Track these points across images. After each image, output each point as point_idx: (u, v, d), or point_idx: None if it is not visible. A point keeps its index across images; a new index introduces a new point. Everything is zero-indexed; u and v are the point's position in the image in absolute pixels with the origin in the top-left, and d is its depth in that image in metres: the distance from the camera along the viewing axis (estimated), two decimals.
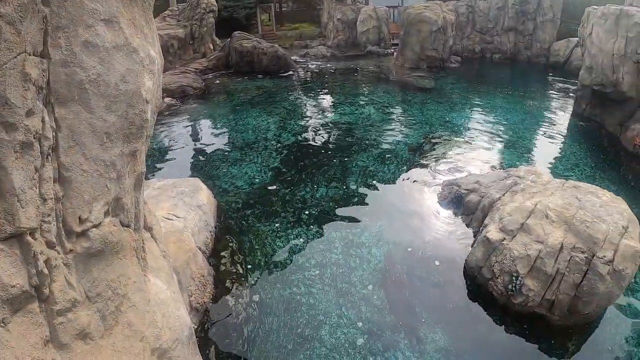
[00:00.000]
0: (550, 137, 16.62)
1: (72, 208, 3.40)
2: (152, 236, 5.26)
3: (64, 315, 3.40)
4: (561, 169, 13.41)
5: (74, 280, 3.49)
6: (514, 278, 7.02)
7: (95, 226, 3.59)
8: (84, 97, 3.39)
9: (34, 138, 2.94)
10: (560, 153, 15.12)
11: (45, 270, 3.14)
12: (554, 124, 18.22)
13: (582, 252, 6.78)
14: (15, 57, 2.75)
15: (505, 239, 7.41)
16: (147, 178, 10.19)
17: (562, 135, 16.92)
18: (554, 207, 7.51)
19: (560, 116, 19.45)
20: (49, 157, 3.16)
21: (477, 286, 7.76)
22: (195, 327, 6.47)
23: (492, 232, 7.62)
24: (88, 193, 3.48)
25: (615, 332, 7.20)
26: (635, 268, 6.75)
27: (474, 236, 9.05)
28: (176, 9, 31.13)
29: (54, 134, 3.21)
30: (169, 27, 27.84)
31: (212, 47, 30.95)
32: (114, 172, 3.70)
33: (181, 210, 7.99)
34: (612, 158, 14.61)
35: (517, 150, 14.99)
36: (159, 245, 5.31)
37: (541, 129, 17.60)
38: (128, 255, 4.16)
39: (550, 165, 13.70)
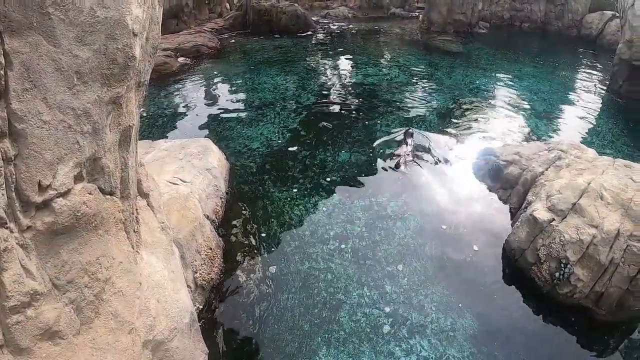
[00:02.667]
0: (585, 111, 15.50)
1: (29, 172, 2.59)
2: (148, 204, 4.46)
3: (21, 313, 2.65)
4: (598, 144, 12.41)
5: (33, 267, 2.71)
6: (562, 265, 6.18)
7: (62, 195, 2.79)
8: (45, 25, 2.55)
9: None
10: (595, 129, 14.05)
11: None
12: (588, 98, 17.01)
13: None
14: None
15: (554, 219, 6.53)
16: (156, 139, 9.47)
17: (596, 111, 15.78)
18: (609, 187, 6.58)
19: (594, 91, 18.20)
20: None
21: (517, 270, 6.95)
22: (201, 307, 5.78)
23: (540, 210, 6.74)
24: (51, 151, 2.66)
25: None
26: None
27: (513, 213, 8.19)
28: None
29: (2, 72, 2.39)
30: None
31: (228, 7, 29.88)
32: (88, 124, 2.87)
33: (188, 173, 7.21)
34: None
35: (550, 121, 13.98)
36: (157, 215, 4.53)
37: (574, 102, 16.45)
38: (112, 230, 3.37)
39: (586, 140, 12.69)
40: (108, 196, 3.30)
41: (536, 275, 6.57)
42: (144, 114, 12.84)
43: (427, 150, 10.90)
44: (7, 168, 2.49)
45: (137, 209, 4.04)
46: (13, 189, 2.54)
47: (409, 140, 11.16)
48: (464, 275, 6.97)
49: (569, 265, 6.14)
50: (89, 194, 3.01)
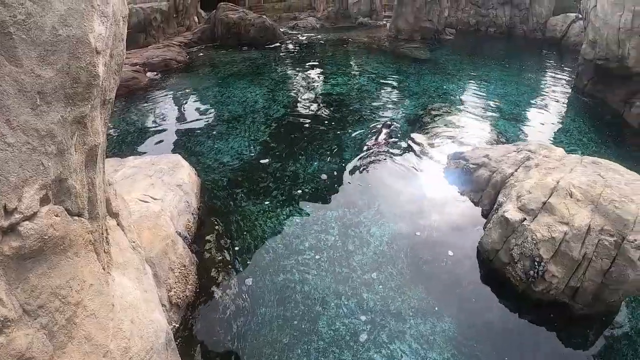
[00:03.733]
0: (552, 111, 15.91)
1: None
2: (118, 224, 4.38)
3: None
4: (565, 143, 12.73)
5: (2, 293, 2.63)
6: (536, 263, 6.27)
7: (28, 218, 2.72)
8: (7, 45, 2.50)
9: None
10: (563, 128, 14.44)
11: None
12: (555, 99, 17.48)
13: (611, 235, 6.02)
14: None
15: (525, 219, 6.64)
16: (126, 156, 9.32)
17: (563, 110, 16.24)
18: (578, 184, 6.72)
19: (560, 91, 18.71)
20: None
21: (492, 271, 7.03)
22: (177, 325, 5.67)
23: (511, 211, 6.85)
24: (15, 174, 2.60)
25: (638, 320, 6.62)
26: None
27: (485, 215, 8.29)
28: None
29: None
30: (152, 0, 26.52)
31: (197, 20, 29.73)
32: (52, 145, 2.81)
33: (159, 190, 7.09)
34: (617, 134, 13.98)
35: (519, 123, 14.27)
36: (127, 234, 4.44)
37: (541, 103, 16.85)
38: (81, 252, 3.29)
39: (554, 140, 13.06)
40: (76, 217, 3.23)
41: (511, 274, 6.65)
42: (114, 131, 12.66)
43: (402, 148, 11.09)
44: None
45: (106, 229, 3.97)
46: None
47: (385, 131, 11.70)
48: (440, 279, 7.02)
49: (542, 263, 6.24)
50: (56, 216, 2.94)
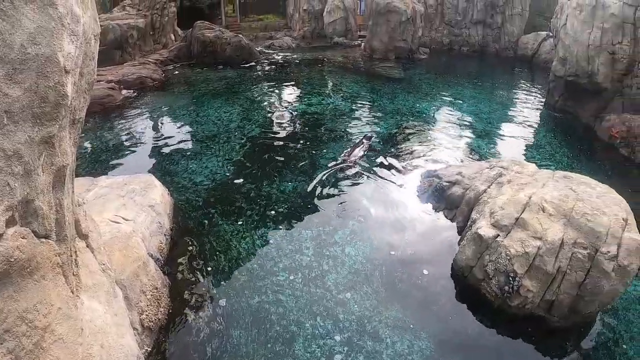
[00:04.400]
0: (524, 127, 16.32)
1: None
2: (88, 246, 4.28)
3: None
4: (538, 158, 13.03)
5: None
6: (510, 278, 6.33)
7: None
8: None
9: None
10: (535, 143, 14.80)
11: None
12: (527, 115, 17.97)
13: (585, 248, 6.15)
14: None
15: (499, 235, 6.70)
16: (98, 175, 9.15)
17: (535, 126, 16.68)
18: (550, 199, 6.85)
19: (532, 107, 19.28)
20: None
21: (467, 287, 7.05)
22: (149, 349, 5.53)
23: (484, 228, 6.91)
24: None
25: (613, 329, 6.74)
26: (639, 262, 6.16)
27: (459, 232, 8.35)
28: None
29: None
30: (129, 17, 26.34)
31: (173, 38, 29.62)
32: (19, 166, 2.75)
33: (131, 211, 6.97)
34: (587, 148, 14.41)
35: (492, 140, 14.55)
36: (97, 256, 4.34)
37: (514, 119, 17.29)
38: (49, 275, 3.21)
39: (527, 156, 13.36)
40: (43, 239, 3.15)
41: (486, 290, 6.68)
42: (87, 149, 12.45)
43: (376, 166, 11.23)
44: None
45: (75, 251, 3.87)
46: None
47: (366, 142, 12.29)
48: (416, 297, 7.00)
49: (517, 278, 6.29)
50: (23, 238, 2.86)
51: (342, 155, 11.99)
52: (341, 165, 11.34)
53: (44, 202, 3.09)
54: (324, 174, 11.01)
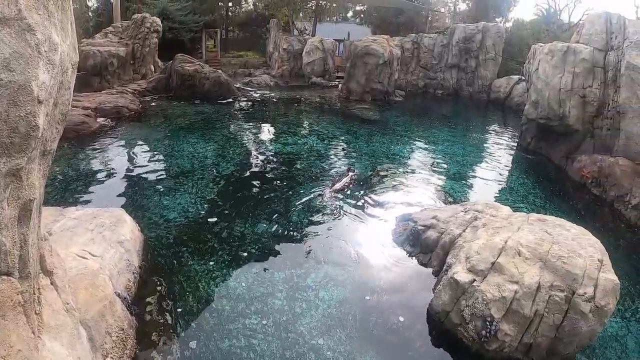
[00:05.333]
0: (497, 169, 16.59)
1: None
2: (52, 283, 4.04)
3: None
4: (511, 200, 13.16)
5: None
6: (487, 323, 6.23)
7: None
8: None
9: None
10: (508, 185, 15.02)
11: None
12: (500, 157, 18.34)
13: (562, 291, 6.14)
14: None
15: (475, 280, 6.63)
16: (68, 205, 8.84)
17: (508, 168, 16.98)
18: (526, 243, 6.87)
19: (505, 149, 19.71)
20: None
21: (444, 332, 6.90)
22: None
23: (460, 272, 6.83)
24: None
25: None
26: (615, 302, 6.24)
27: (434, 276, 8.25)
28: (119, 26, 29.58)
29: None
30: (110, 44, 26.32)
31: (153, 69, 29.63)
32: None
33: (99, 246, 6.69)
34: (560, 189, 14.74)
35: (466, 182, 14.70)
36: (61, 295, 4.10)
37: (487, 161, 17.58)
38: (9, 315, 3.00)
39: (500, 198, 13.49)
40: (4, 277, 2.95)
41: (463, 335, 6.57)
42: (58, 176, 12.11)
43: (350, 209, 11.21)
44: None
45: (39, 289, 3.64)
46: None
47: (350, 174, 12.81)
48: (391, 343, 6.81)
49: (494, 322, 6.19)
50: None
51: (325, 188, 12.22)
52: (318, 206, 11.36)
53: (8, 238, 2.90)
54: (303, 206, 11.03)
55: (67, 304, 4.14)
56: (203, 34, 42.84)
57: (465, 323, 6.52)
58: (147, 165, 13.98)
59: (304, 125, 22.26)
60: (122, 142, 16.28)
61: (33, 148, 2.94)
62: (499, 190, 14.33)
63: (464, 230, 8.42)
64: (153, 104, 23.59)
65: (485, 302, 6.32)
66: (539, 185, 14.76)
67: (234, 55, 46.30)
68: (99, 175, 12.78)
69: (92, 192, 11.45)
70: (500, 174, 16.05)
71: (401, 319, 7.27)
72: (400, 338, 6.92)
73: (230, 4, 51.34)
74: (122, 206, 9.79)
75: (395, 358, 6.54)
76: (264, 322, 6.97)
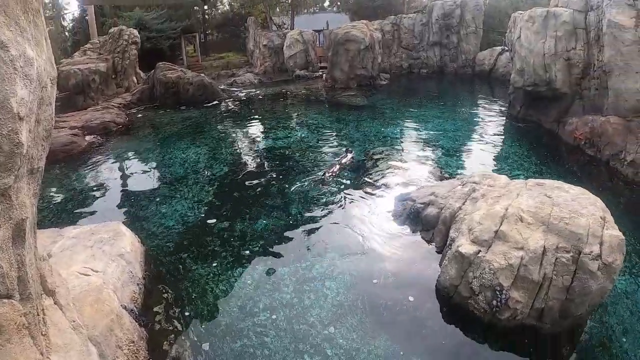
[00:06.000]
0: (490, 141, 16.60)
1: None
2: (56, 303, 3.99)
3: None
4: (508, 169, 13.23)
5: None
6: (497, 292, 6.20)
7: None
8: None
9: None
10: (503, 155, 15.04)
11: None
12: (491, 128, 18.37)
13: (567, 252, 6.10)
14: None
15: (480, 250, 6.60)
16: (65, 225, 8.76)
17: (501, 138, 17.01)
18: (526, 208, 6.84)
19: (495, 120, 19.72)
20: None
21: (454, 307, 6.88)
22: None
23: (464, 245, 6.80)
24: None
25: (606, 326, 6.78)
26: (622, 257, 6.19)
27: (439, 252, 8.26)
28: (97, 41, 29.36)
29: None
30: (90, 61, 26.13)
31: (136, 81, 29.43)
32: None
33: (99, 262, 6.63)
34: (554, 153, 14.77)
35: (460, 157, 14.73)
36: (66, 313, 4.05)
37: (479, 134, 17.61)
38: (14, 338, 2.95)
39: (496, 168, 13.50)
40: (5, 300, 2.90)
41: (474, 307, 6.53)
42: (52, 199, 12.03)
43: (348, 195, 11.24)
44: None
45: (42, 310, 3.60)
46: None
47: (349, 155, 13.10)
48: (403, 324, 6.80)
49: (504, 291, 6.17)
50: None
51: (326, 170, 12.52)
52: (320, 179, 11.84)
53: (4, 260, 2.85)
54: (300, 197, 11.12)
55: (74, 321, 4.09)
56: (182, 40, 42.59)
57: (475, 295, 6.49)
58: (140, 177, 13.93)
59: (293, 119, 22.22)
60: (113, 157, 16.20)
61: (19, 166, 2.88)
62: (494, 161, 14.34)
63: (463, 203, 8.39)
64: (139, 115, 23.49)
65: (492, 272, 6.29)
66: (533, 152, 14.79)
67: (215, 58, 46.12)
68: (94, 193, 12.70)
69: (89, 210, 11.38)
70: (494, 145, 16.05)
71: (411, 298, 7.25)
72: (411, 318, 6.91)
73: (205, 7, 50.99)
74: (120, 219, 9.72)
75: (408, 338, 6.53)
76: (274, 317, 6.95)
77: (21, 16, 2.95)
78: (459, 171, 13.05)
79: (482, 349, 6.36)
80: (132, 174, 14.43)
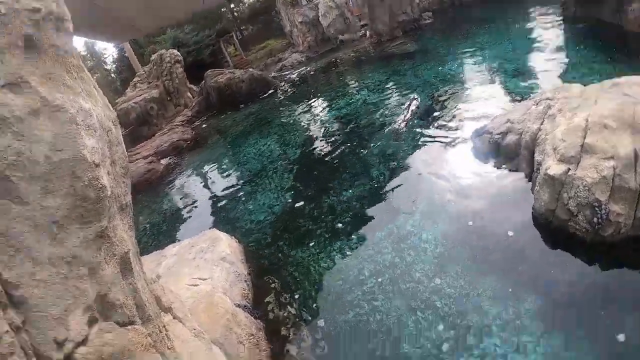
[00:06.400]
0: (551, 50, 15.48)
1: (41, 333, 2.51)
2: (174, 317, 4.35)
3: None
4: (578, 76, 12.30)
5: None
6: (596, 209, 5.92)
7: (81, 343, 2.70)
8: (8, 188, 2.53)
9: None
10: (569, 62, 13.99)
11: None
12: (549, 38, 17.08)
13: None
14: None
15: (569, 169, 6.30)
16: (165, 246, 9.38)
17: (562, 45, 15.84)
18: (608, 113, 6.38)
19: (551, 28, 18.37)
20: None
21: (554, 232, 6.64)
22: None
23: (552, 166, 6.52)
24: (55, 306, 2.59)
25: None
26: None
27: (528, 180, 7.99)
28: (143, 72, 30.63)
29: None
30: (142, 92, 27.40)
31: (190, 96, 30.41)
32: (82, 267, 2.81)
33: (205, 270, 7.06)
34: (622, 47, 13.55)
35: (526, 76, 13.89)
36: (186, 324, 4.40)
37: (538, 47, 16.48)
38: (145, 358, 3.25)
39: (567, 77, 12.55)
40: (128, 327, 3.20)
41: (575, 228, 6.29)
42: (147, 226, 12.83)
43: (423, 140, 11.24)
44: (19, 337, 2.41)
45: (164, 326, 3.93)
46: (33, 356, 2.47)
47: (414, 103, 13.42)
48: (507, 260, 6.68)
49: (602, 206, 5.89)
50: (108, 332, 2.91)
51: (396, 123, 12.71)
52: (393, 133, 12.02)
53: (119, 293, 3.15)
54: (378, 158, 11.14)
55: (194, 329, 4.44)
56: (221, 44, 43.33)
57: (574, 216, 6.23)
58: (221, 182, 14.50)
59: (350, 84, 22.03)
60: (191, 171, 16.94)
61: (109, 207, 3.15)
62: (562, 71, 13.41)
63: (542, 123, 7.97)
64: (204, 126, 24.31)
65: (587, 188, 6.00)
66: (599, 51, 13.69)
67: (257, 49, 46.52)
68: (183, 209, 13.41)
69: (183, 226, 12.07)
70: (557, 54, 14.99)
71: (510, 233, 7.10)
72: (514, 252, 6.78)
73: (232, 5, 51.44)
74: (213, 226, 10.23)
75: (514, 274, 6.42)
76: (379, 280, 7.08)
77: (65, 76, 3.18)
78: (530, 91, 12.42)
79: (592, 270, 6.12)
80: (213, 181, 15.04)
